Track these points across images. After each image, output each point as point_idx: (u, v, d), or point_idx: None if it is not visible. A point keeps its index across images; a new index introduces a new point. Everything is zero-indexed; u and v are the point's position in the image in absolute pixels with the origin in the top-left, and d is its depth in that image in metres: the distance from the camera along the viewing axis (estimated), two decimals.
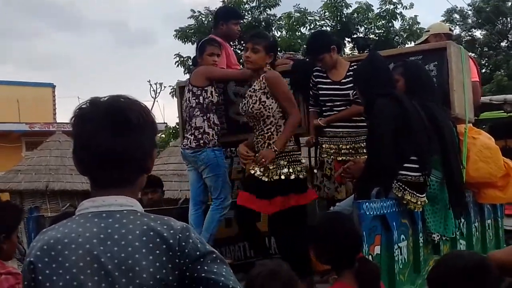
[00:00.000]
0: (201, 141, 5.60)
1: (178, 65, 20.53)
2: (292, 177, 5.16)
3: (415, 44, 7.46)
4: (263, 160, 5.09)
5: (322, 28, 20.45)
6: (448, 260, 2.85)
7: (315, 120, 5.63)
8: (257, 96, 5.20)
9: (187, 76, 19.74)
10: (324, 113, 5.63)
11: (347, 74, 5.55)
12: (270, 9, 20.41)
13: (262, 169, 5.14)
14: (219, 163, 5.52)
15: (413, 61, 5.41)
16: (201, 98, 5.66)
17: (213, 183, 5.58)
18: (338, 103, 5.56)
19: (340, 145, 5.51)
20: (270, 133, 5.23)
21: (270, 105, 5.21)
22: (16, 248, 3.79)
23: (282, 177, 5.13)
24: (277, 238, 5.48)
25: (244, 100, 5.37)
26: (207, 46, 5.88)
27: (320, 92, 5.62)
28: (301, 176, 5.21)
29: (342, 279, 3.59)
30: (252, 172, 5.18)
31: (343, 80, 5.54)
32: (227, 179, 5.73)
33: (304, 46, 19.97)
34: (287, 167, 5.15)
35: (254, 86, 5.27)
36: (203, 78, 5.71)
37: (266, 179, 5.14)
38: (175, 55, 20.47)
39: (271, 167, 5.13)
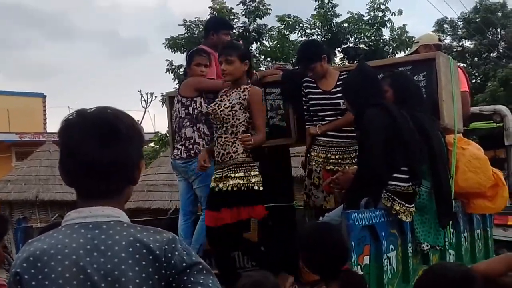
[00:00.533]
0: (192, 152, 5.61)
1: (167, 71, 20.65)
2: (243, 188, 5.11)
3: (405, 55, 7.49)
4: None
5: (313, 37, 20.55)
6: (434, 271, 2.86)
7: (311, 128, 5.60)
8: (231, 103, 5.20)
9: (176, 83, 19.91)
10: (315, 123, 5.63)
11: (337, 83, 5.55)
12: (261, 19, 20.47)
13: (214, 179, 5.21)
14: (209, 173, 5.52)
15: (401, 72, 5.43)
16: (190, 108, 5.68)
17: (203, 194, 5.57)
18: (330, 112, 5.55)
19: (329, 154, 5.51)
20: (226, 142, 5.19)
21: (239, 116, 5.19)
22: (4, 258, 3.76)
23: (235, 188, 5.10)
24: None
25: (216, 101, 5.35)
26: (195, 56, 5.91)
27: (310, 102, 5.61)
28: (255, 188, 5.15)
29: None
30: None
31: (333, 90, 5.55)
32: None
33: (295, 55, 20.13)
34: (240, 178, 5.12)
35: (231, 94, 5.27)
36: (192, 89, 5.73)
37: (217, 190, 5.16)
38: (166, 60, 20.60)
39: (218, 176, 5.18)
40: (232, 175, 5.11)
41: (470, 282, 2.72)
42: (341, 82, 5.50)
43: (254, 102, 5.23)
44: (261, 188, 5.16)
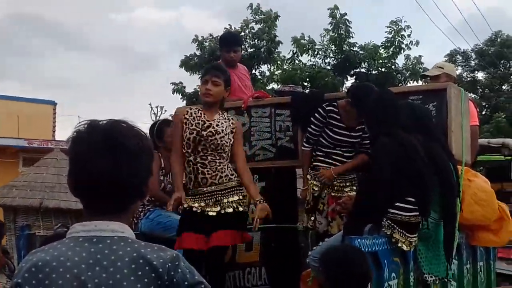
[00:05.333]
0: None
1: (174, 92, 20.89)
2: (241, 209, 5.11)
3: (424, 74, 7.36)
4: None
5: (326, 60, 20.68)
6: None
7: (328, 171, 5.52)
8: (226, 131, 5.13)
9: (185, 102, 20.10)
10: (323, 148, 5.60)
11: (361, 121, 5.49)
12: (270, 43, 20.67)
13: (202, 204, 5.06)
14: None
15: (417, 104, 5.42)
16: None
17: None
18: (344, 148, 5.59)
19: (334, 181, 5.53)
20: (222, 166, 5.10)
21: (230, 143, 5.16)
22: (2, 261, 3.76)
23: (230, 210, 5.06)
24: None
25: (200, 124, 5.12)
26: (165, 128, 5.96)
27: (329, 132, 5.59)
28: (246, 211, 5.21)
29: None
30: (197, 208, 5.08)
31: (357, 127, 5.56)
32: (175, 216, 5.62)
33: (306, 78, 20.23)
34: (237, 202, 5.08)
35: (219, 120, 5.16)
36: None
37: (214, 213, 5.04)
38: (171, 83, 20.86)
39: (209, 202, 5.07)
40: (234, 197, 5.08)
41: None
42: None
43: (238, 134, 5.25)
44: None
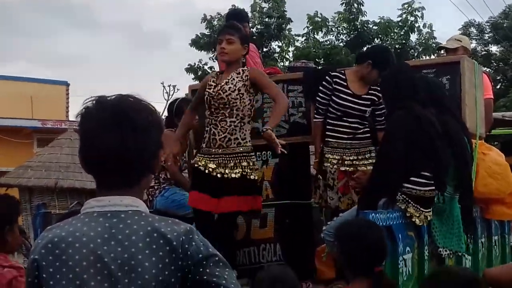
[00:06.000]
0: None
1: (188, 72, 20.94)
2: (252, 177, 5.08)
3: (442, 46, 7.24)
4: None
5: (339, 36, 20.60)
6: (439, 276, 2.81)
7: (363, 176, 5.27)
8: (236, 86, 5.06)
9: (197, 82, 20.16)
10: (331, 121, 5.57)
11: (369, 91, 5.47)
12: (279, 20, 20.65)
13: (210, 164, 5.05)
14: None
15: (431, 77, 5.38)
16: None
17: None
18: (352, 119, 5.48)
19: (344, 156, 5.46)
20: (233, 126, 5.05)
21: (245, 99, 5.08)
22: (19, 241, 3.79)
23: (238, 176, 5.01)
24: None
25: (212, 86, 5.16)
26: (184, 107, 5.88)
27: (335, 99, 5.51)
28: (256, 178, 5.16)
29: (352, 287, 3.61)
30: (202, 167, 5.09)
31: (364, 96, 5.48)
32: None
33: (319, 54, 20.19)
34: (247, 167, 5.04)
35: (231, 77, 5.11)
36: None
37: (219, 175, 5.02)
38: (188, 64, 20.93)
39: (229, 164, 5.03)
40: (243, 163, 5.03)
41: (476, 287, 2.68)
42: (373, 91, 5.47)
43: (258, 78, 5.15)
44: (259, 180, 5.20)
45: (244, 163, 5.04)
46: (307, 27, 20.92)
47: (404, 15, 20.32)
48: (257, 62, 6.73)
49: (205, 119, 5.23)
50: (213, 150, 5.07)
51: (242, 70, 5.15)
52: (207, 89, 5.15)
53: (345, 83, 5.51)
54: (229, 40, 5.13)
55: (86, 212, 2.01)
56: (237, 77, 5.11)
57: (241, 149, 5.07)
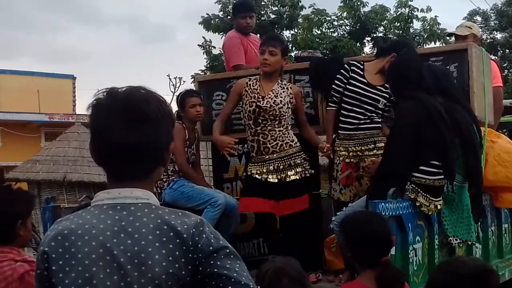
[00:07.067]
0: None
1: (204, 54, 20.87)
2: (308, 174, 5.38)
3: (452, 32, 7.16)
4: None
5: (341, 28, 20.56)
6: (449, 265, 2.77)
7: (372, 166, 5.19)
8: (285, 100, 5.34)
9: (207, 62, 20.16)
10: (345, 111, 5.50)
11: (386, 84, 5.33)
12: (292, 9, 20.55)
13: (264, 170, 5.34)
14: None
15: (438, 65, 5.33)
16: None
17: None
18: (366, 106, 5.37)
19: (349, 148, 5.41)
20: (281, 134, 5.35)
21: (289, 112, 5.42)
22: (31, 235, 3.80)
23: (297, 176, 5.33)
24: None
25: (260, 98, 5.34)
26: (187, 98, 5.89)
27: (349, 87, 5.42)
28: (310, 174, 5.44)
29: (360, 278, 3.60)
30: (257, 175, 5.36)
31: (379, 86, 5.38)
32: (198, 187, 5.73)
33: (321, 43, 20.12)
34: (300, 166, 5.36)
35: (278, 90, 5.37)
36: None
37: (275, 180, 5.32)
38: (198, 45, 20.80)
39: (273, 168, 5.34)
40: (298, 161, 5.33)
41: (487, 277, 2.63)
42: None
43: (297, 98, 5.48)
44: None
45: (298, 161, 5.34)
46: (304, 25, 20.83)
47: (399, 9, 20.36)
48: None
49: (248, 129, 5.46)
50: (267, 157, 5.36)
51: (285, 85, 5.46)
52: (252, 100, 5.36)
53: (362, 72, 5.45)
54: (271, 52, 5.33)
55: (96, 205, 2.00)
56: (282, 91, 5.40)
57: (294, 150, 5.39)
